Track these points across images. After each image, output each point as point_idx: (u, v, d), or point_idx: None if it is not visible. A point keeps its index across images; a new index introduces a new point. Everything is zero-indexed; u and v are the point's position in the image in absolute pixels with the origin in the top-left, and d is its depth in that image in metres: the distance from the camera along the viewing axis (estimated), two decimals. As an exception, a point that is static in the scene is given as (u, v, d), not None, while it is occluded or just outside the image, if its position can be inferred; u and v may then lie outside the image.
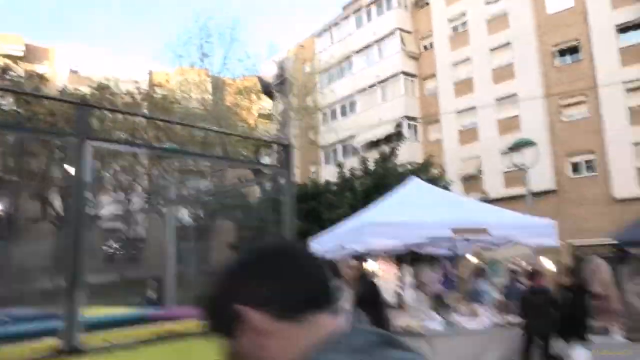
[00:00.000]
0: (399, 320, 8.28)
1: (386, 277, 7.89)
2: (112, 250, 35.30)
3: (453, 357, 7.90)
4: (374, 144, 31.90)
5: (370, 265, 8.32)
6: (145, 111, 24.45)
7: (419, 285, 9.26)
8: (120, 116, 22.58)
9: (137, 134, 24.01)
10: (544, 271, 10.20)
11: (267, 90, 28.82)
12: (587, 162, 25.03)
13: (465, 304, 9.47)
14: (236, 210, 25.79)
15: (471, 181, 28.58)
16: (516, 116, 26.53)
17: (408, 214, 8.36)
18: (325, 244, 9.52)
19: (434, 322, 8.45)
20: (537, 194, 25.21)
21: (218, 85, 30.46)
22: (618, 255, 12.13)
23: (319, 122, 37.52)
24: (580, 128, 25.01)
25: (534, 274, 7.68)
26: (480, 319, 8.53)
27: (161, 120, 26.76)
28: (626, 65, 23.25)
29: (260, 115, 32.21)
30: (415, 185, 9.76)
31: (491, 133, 27.63)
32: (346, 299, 5.26)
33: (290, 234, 6.53)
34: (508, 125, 26.67)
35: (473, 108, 28.78)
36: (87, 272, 2.74)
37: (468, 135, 29.36)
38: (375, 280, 8.06)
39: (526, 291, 7.62)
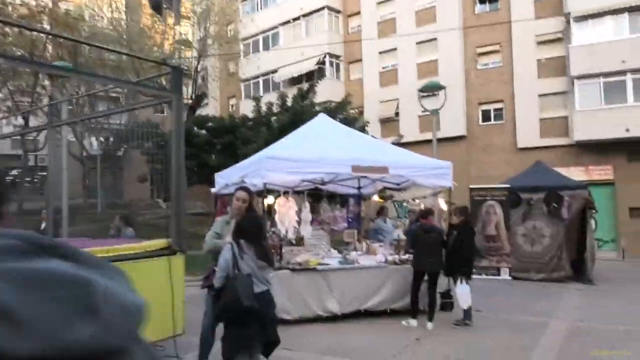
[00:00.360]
0: (299, 256, 8.37)
1: (285, 212, 7.87)
2: (11, 177, 33.10)
3: (348, 291, 8.14)
4: (295, 80, 31.46)
5: (269, 200, 8.28)
6: (46, 26, 22.26)
7: (321, 223, 9.37)
8: (15, 30, 20.44)
9: (36, 52, 21.99)
10: (440, 211, 10.63)
11: (156, 4, 26.70)
12: (496, 110, 26.07)
13: (366, 243, 9.73)
14: (147, 140, 24.78)
15: (389, 123, 29.04)
16: (435, 60, 26.90)
17: (309, 150, 8.30)
18: (229, 177, 9.35)
19: (332, 259, 8.63)
20: (448, 139, 26.26)
21: (132, 5, 28.42)
22: (511, 199, 12.88)
23: (239, 54, 36.33)
24: (492, 77, 25.84)
25: (426, 213, 7.96)
26: (377, 257, 8.80)
27: (60, 37, 24.67)
28: (539, 18, 23.98)
29: (178, 42, 30.43)
30: (322, 122, 9.67)
31: (410, 76, 27.92)
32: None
33: (178, 162, 6.29)
34: (427, 69, 27.03)
35: (394, 49, 28.86)
36: None
37: (388, 77, 29.54)
38: (263, 215, 8.06)
39: (417, 229, 7.91)
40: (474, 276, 13.20)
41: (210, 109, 35.27)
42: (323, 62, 31.49)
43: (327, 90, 27.82)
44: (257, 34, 35.61)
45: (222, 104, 38.23)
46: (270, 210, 8.25)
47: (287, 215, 7.85)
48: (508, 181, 14.20)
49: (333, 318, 8.11)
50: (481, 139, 26.11)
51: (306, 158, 8.01)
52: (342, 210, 11.55)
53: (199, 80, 38.92)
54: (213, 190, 10.51)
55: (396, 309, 8.44)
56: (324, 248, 8.86)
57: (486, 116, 26.41)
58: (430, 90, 14.01)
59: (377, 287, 8.34)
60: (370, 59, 30.33)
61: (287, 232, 8.00)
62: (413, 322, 7.82)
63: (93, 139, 31.79)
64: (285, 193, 8.60)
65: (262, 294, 4.55)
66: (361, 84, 30.80)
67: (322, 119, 9.85)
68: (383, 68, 29.98)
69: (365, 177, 8.79)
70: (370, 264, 8.43)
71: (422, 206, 8.72)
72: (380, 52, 29.76)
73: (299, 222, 8.19)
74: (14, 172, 40.96)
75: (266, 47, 35.23)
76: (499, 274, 12.75)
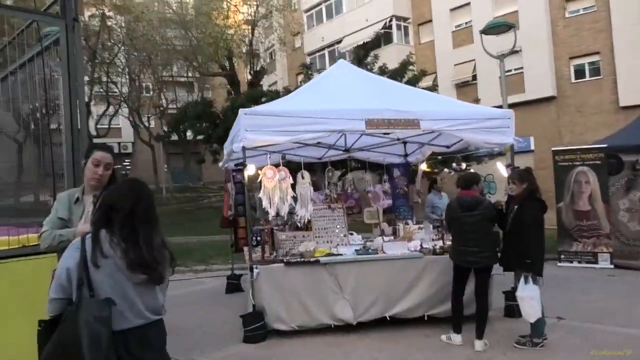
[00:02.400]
0: (302, 244, 6.26)
1: (273, 187, 5.74)
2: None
3: (365, 291, 5.96)
4: (361, 48, 28.95)
5: (249, 170, 6.19)
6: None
7: (337, 200, 7.17)
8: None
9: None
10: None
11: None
12: (591, 64, 22.17)
13: (400, 224, 7.41)
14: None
15: (465, 88, 25.89)
16: (515, 12, 23.33)
17: (305, 101, 6.12)
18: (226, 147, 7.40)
19: (349, 248, 6.43)
20: (534, 102, 22.79)
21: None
22: (610, 163, 9.86)
23: (303, 27, 34.52)
24: (585, 25, 21.94)
25: (467, 179, 5.46)
26: (411, 244, 6.48)
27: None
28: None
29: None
30: (336, 70, 7.40)
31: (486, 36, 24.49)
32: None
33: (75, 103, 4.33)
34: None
35: (467, 4, 25.58)
36: None
37: (462, 36, 26.29)
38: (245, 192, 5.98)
39: (452, 205, 5.49)
40: (561, 264, 10.58)
41: (279, 87, 33.85)
42: (389, 27, 28.77)
43: (395, 56, 25.00)
44: (319, 3, 33.54)
45: (291, 82, 36.54)
46: (257, 186, 6.14)
47: (276, 190, 5.74)
48: (605, 140, 11.08)
49: (345, 328, 5.95)
50: (574, 98, 22.36)
51: (297, 111, 5.82)
52: (385, 184, 9.25)
53: (266, 59, 37.74)
54: (220, 165, 8.66)
55: (435, 315, 6.10)
56: (339, 233, 6.66)
57: (579, 72, 22.55)
58: (496, 31, 11.14)
59: (408, 286, 6.04)
60: (441, 17, 27.20)
61: (277, 213, 5.89)
62: (456, 339, 5.47)
63: None
64: (292, 166, 6.46)
65: (136, 330, 2.49)
66: (432, 46, 27.77)
67: (339, 65, 7.56)
68: (456, 27, 26.78)
69: (385, 134, 6.44)
70: (397, 254, 6.12)
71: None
72: (451, 9, 26.58)
73: (295, 199, 6.05)
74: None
75: (329, 16, 33.03)
76: (595, 262, 9.82)
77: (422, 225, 7.19)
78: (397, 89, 7.23)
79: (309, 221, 6.58)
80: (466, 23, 26.04)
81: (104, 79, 28.29)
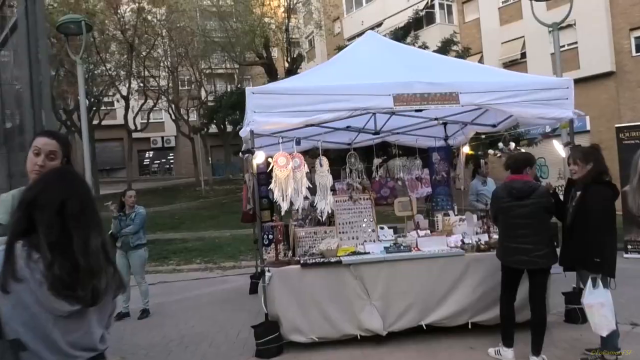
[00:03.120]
0: (324, 242, 5.44)
1: (286, 177, 4.92)
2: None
3: (397, 296, 5.10)
4: (400, 29, 27.71)
5: (259, 158, 5.36)
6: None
7: (365, 189, 6.27)
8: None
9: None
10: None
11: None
12: (655, 35, 20.26)
13: (441, 216, 6.47)
14: None
15: (514, 67, 24.26)
16: (567, -18, 21.53)
17: (324, 77, 5.27)
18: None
19: (378, 245, 5.57)
20: (590, 79, 21.06)
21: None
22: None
23: (342, 12, 33.51)
24: (648, -9, 20.01)
25: (518, 161, 4.46)
26: (451, 239, 5.56)
27: None
28: None
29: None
30: (362, 44, 6.48)
31: (538, 8, 22.80)
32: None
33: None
34: (558, -5, 21.82)
35: (515, -23, 23.92)
36: None
37: (510, 12, 24.63)
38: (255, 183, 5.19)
39: (498, 192, 4.50)
40: (628, 255, 9.35)
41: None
42: (432, 6, 27.37)
43: (437, 37, 23.63)
44: (358, -15, 32.44)
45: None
46: (269, 175, 5.30)
47: (289, 180, 4.93)
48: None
49: (373, 340, 5.09)
50: (635, 73, 20.47)
51: (313, 87, 4.97)
52: (424, 170, 8.30)
53: (306, 46, 37.00)
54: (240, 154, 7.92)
55: (481, 323, 5.17)
56: (366, 227, 5.78)
57: (641, 45, 20.64)
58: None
59: (448, 290, 5.13)
60: (487, -7, 25.60)
61: (291, 206, 5.07)
62: (507, 354, 4.52)
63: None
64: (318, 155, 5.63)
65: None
66: (478, 25, 26.22)
67: (367, 38, 6.62)
68: (503, 3, 25.12)
69: (419, 112, 5.47)
70: (434, 251, 5.21)
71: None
72: (498, -17, 24.95)
73: (312, 189, 5.21)
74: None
75: (369, -1, 31.85)
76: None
77: (464, 217, 6.23)
78: (431, 59, 6.27)
79: (332, 215, 5.73)
80: (514, -3, 24.40)
81: (144, 72, 28.22)
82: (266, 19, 25.34)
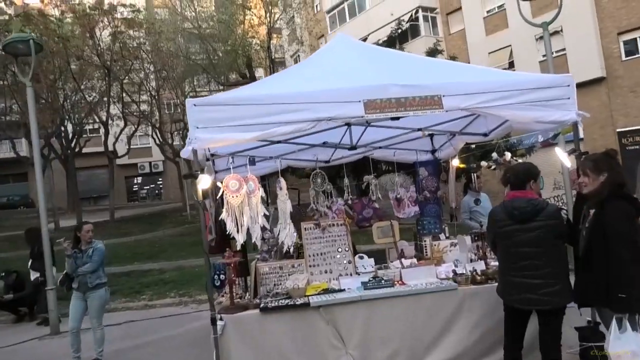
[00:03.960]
0: (292, 277, 4.58)
1: (238, 205, 4.07)
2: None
3: (378, 342, 4.23)
4: (388, 44, 27.19)
5: (204, 182, 4.48)
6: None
7: (339, 213, 5.43)
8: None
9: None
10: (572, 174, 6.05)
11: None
12: (644, 38, 19.76)
13: (424, 241, 5.62)
14: None
15: (501, 78, 23.71)
16: (552, -12, 21.09)
17: (289, 83, 4.47)
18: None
19: (356, 280, 4.71)
20: (581, 85, 20.43)
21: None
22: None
23: (326, 29, 33.08)
24: (635, -7, 19.56)
25: (519, 174, 3.62)
26: (440, 268, 4.72)
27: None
28: None
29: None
30: (340, 44, 5.68)
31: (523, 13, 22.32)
32: None
33: None
34: (544, 1, 21.32)
35: (499, -15, 23.52)
36: None
37: (495, 21, 24.19)
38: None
39: (496, 213, 3.66)
40: None
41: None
42: (416, 19, 26.92)
43: (422, 49, 23.03)
44: (341, 2, 32.01)
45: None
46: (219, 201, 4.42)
47: (244, 207, 4.09)
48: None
49: (353, 398, 4.20)
50: (626, 78, 19.89)
51: (266, 96, 4.15)
52: (410, 187, 7.50)
53: (291, 63, 36.44)
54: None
55: (482, 371, 4.30)
56: (341, 259, 4.92)
57: (631, 48, 20.07)
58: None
59: (440, 332, 4.26)
60: (471, 3, 25.14)
61: (244, 237, 4.21)
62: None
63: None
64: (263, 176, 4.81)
65: None
66: (463, 36, 25.75)
67: (338, 40, 5.84)
68: (488, 12, 24.71)
69: (394, 119, 4.64)
70: (421, 285, 4.35)
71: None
72: (481, -7, 24.54)
73: (269, 218, 4.38)
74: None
75: (352, 15, 31.45)
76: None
77: (455, 240, 5.38)
78: (408, 60, 5.46)
79: (300, 245, 4.88)
80: (498, 7, 23.96)
81: (122, 96, 27.45)
82: (248, 39, 24.77)
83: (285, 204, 4.46)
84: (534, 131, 5.93)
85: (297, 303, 4.16)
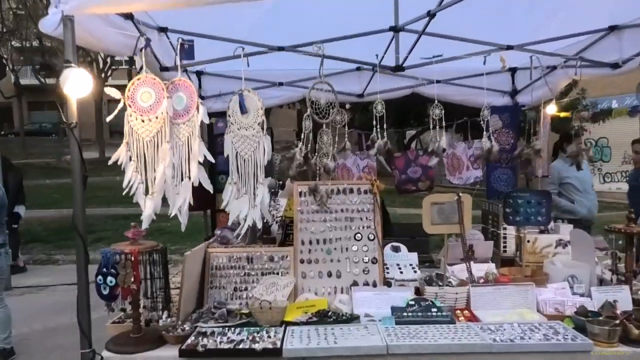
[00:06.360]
0: (259, 285, 2.43)
1: (149, 133, 1.96)
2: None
3: None
4: None
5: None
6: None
7: (369, 173, 3.15)
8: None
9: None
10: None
11: None
12: None
13: (520, 232, 3.34)
14: None
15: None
16: None
17: None
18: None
19: (379, 292, 2.53)
20: None
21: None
22: None
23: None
24: None
25: None
26: (541, 297, 2.47)
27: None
28: None
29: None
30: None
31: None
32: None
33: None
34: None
35: None
36: None
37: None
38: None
39: None
40: None
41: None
42: None
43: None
44: None
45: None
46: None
47: (165, 145, 1.97)
48: None
49: None
50: None
51: None
52: (471, 142, 5.26)
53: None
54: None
55: None
56: (358, 252, 2.69)
57: None
58: None
59: None
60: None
61: (159, 204, 2.10)
62: None
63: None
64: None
65: None
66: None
67: None
68: None
69: None
70: (512, 339, 2.14)
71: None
72: None
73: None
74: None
75: None
76: None
77: (562, 236, 3.10)
78: None
79: (290, 222, 2.71)
80: None
81: None
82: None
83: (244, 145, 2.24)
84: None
85: (255, 347, 2.01)
